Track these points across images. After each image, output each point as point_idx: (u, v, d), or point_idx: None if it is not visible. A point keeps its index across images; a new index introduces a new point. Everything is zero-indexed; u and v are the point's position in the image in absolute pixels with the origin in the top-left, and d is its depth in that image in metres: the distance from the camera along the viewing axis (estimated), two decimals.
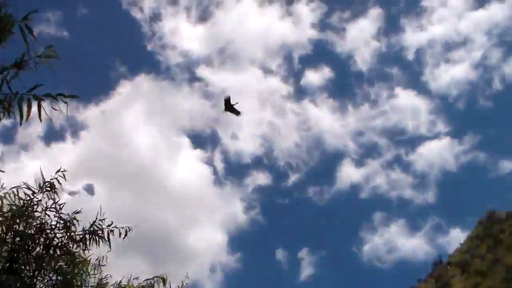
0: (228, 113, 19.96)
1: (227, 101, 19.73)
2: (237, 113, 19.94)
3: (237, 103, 19.75)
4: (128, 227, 6.33)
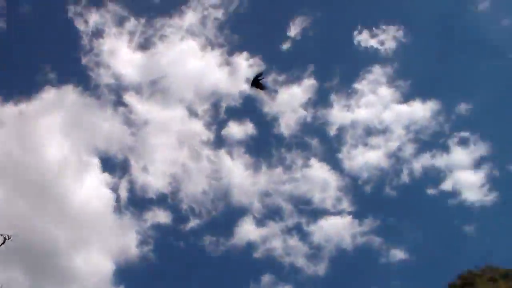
0: (256, 88, 18.38)
1: (257, 77, 18.26)
2: (262, 87, 18.30)
3: (262, 78, 18.35)
4: (8, 235, 5.98)
